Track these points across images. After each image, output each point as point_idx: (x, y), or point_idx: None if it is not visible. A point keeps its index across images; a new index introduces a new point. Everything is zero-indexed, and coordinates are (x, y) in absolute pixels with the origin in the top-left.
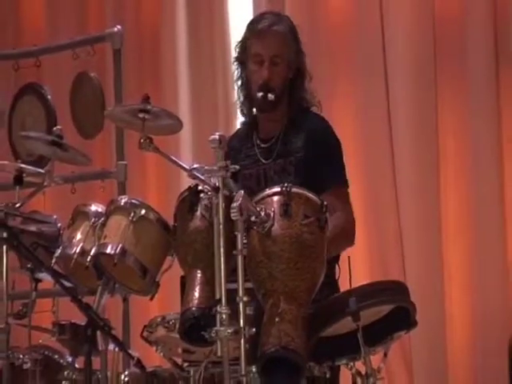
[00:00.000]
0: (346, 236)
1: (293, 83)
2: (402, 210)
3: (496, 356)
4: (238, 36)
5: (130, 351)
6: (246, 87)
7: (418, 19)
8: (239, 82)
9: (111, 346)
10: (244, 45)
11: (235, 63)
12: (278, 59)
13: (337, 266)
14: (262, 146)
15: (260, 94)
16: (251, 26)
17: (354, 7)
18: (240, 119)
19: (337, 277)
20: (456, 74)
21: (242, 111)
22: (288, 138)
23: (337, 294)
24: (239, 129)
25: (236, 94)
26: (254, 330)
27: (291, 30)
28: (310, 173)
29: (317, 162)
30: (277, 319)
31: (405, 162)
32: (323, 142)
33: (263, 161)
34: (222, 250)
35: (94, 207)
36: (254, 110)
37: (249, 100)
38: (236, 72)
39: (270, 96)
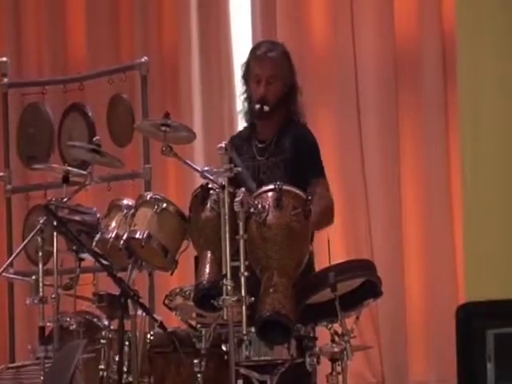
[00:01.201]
0: (327, 215)
1: (287, 97)
2: (370, 204)
3: (444, 319)
4: (240, 63)
5: (154, 315)
6: (249, 100)
7: (381, 52)
8: (243, 96)
9: (139, 312)
10: (247, 66)
11: (241, 81)
12: (272, 79)
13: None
14: (259, 146)
15: (257, 106)
16: (252, 51)
17: (333, 38)
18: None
19: (312, 255)
20: (413, 93)
21: (245, 118)
22: (279, 141)
23: (316, 268)
24: (242, 131)
25: (241, 105)
26: (252, 298)
27: (284, 54)
28: (295, 168)
29: (301, 160)
30: (271, 290)
31: (372, 164)
32: (306, 145)
33: (259, 158)
34: (227, 235)
35: (126, 201)
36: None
37: (250, 110)
38: (241, 88)
39: (266, 108)
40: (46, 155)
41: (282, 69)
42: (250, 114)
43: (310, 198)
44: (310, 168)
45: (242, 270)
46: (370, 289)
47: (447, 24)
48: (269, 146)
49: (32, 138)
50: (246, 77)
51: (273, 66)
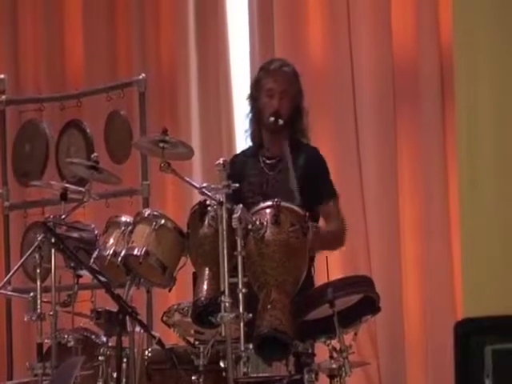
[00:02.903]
0: (339, 239)
1: (293, 118)
2: (368, 220)
3: (443, 334)
4: (238, 80)
5: (152, 332)
6: (258, 117)
7: (379, 67)
8: (251, 114)
9: (137, 328)
10: (258, 83)
11: (248, 99)
12: (285, 94)
13: (312, 267)
14: (268, 162)
15: (272, 119)
16: (265, 67)
17: (330, 53)
18: (239, 148)
19: (313, 274)
20: (410, 107)
21: (251, 137)
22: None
23: (316, 286)
24: (245, 150)
25: (247, 124)
26: (250, 315)
27: (295, 73)
28: (305, 186)
29: (313, 181)
30: (269, 306)
31: (370, 179)
32: (319, 166)
33: (268, 172)
34: (225, 251)
35: (124, 218)
36: (264, 132)
37: (260, 126)
38: (249, 106)
39: (280, 121)
40: (39, 172)
41: (293, 86)
42: (260, 130)
43: (307, 214)
44: (322, 190)
45: (240, 286)
46: (369, 305)
47: (444, 38)
48: (279, 162)
49: (27, 155)
50: (256, 95)
51: (286, 81)
